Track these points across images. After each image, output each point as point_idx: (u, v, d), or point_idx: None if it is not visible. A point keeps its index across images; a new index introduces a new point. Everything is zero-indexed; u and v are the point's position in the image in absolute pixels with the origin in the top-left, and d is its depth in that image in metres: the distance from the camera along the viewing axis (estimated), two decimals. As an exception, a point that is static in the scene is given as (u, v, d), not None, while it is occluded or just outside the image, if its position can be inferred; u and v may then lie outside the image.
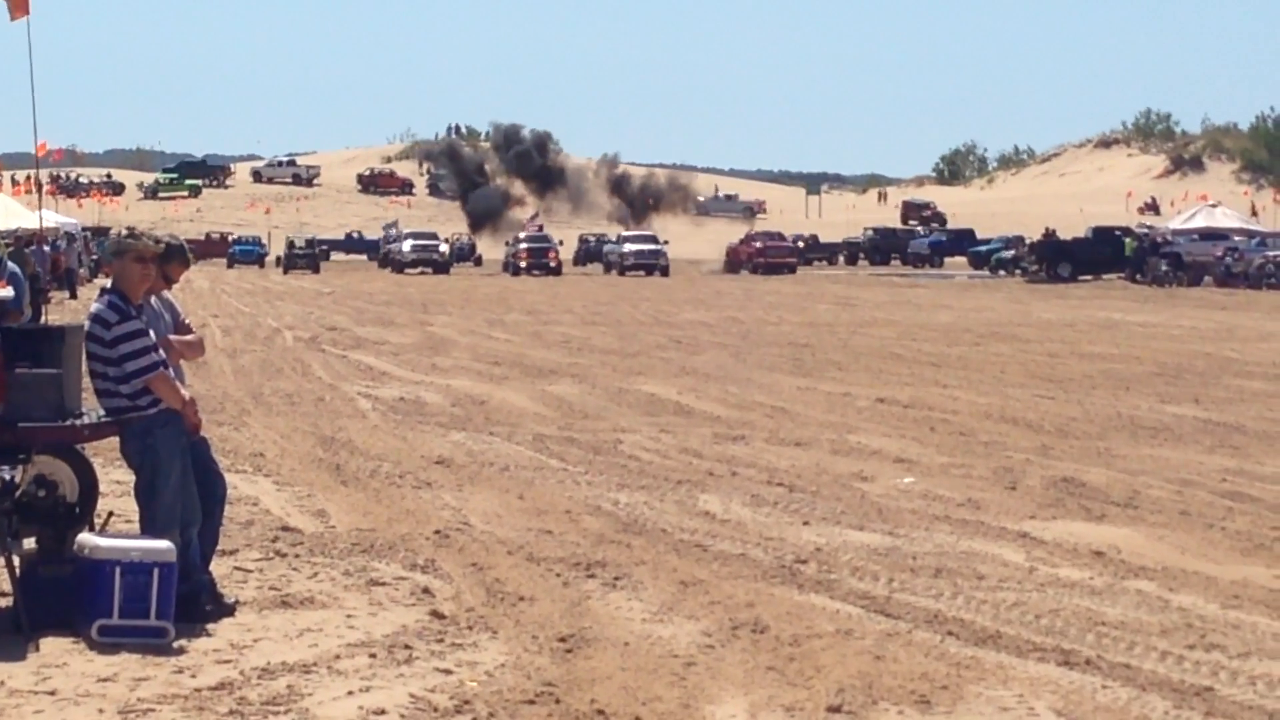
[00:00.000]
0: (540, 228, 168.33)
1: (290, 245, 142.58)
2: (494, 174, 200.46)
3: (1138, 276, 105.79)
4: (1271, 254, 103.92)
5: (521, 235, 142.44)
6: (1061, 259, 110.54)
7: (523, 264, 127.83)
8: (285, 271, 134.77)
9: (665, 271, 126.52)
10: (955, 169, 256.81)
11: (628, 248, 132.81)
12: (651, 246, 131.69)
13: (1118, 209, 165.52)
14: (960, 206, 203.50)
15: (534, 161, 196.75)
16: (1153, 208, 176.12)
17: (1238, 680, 12.99)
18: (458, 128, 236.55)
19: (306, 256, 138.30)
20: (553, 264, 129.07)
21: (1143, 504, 21.36)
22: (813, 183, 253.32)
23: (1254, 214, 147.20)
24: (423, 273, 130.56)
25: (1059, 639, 14.32)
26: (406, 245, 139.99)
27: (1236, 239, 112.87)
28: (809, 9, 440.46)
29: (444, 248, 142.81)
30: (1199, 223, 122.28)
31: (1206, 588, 16.40)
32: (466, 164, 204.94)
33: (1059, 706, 12.27)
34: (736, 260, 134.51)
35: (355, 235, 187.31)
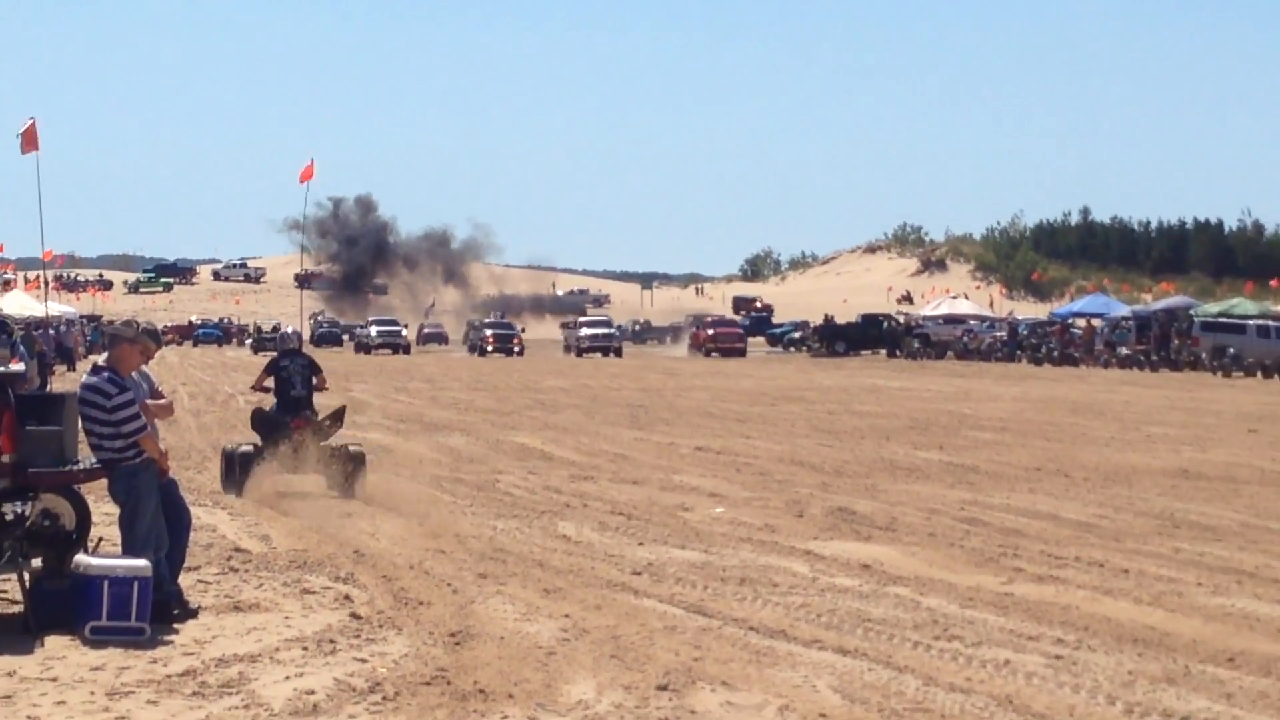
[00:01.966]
0: (432, 306, 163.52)
1: (259, 330, 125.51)
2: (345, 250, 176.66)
3: (895, 352, 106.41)
4: (998, 334, 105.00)
5: (486, 320, 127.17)
6: (837, 339, 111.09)
7: (489, 347, 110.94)
8: (255, 352, 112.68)
9: (619, 352, 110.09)
10: (756, 268, 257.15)
11: (584, 331, 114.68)
12: (605, 330, 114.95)
13: (880, 300, 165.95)
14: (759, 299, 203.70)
15: (375, 238, 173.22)
16: (907, 299, 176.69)
17: (972, 664, 13.08)
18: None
19: (273, 340, 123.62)
20: (516, 348, 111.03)
21: (900, 527, 21.45)
22: (645, 279, 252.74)
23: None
24: (385, 354, 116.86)
25: (835, 632, 14.39)
26: (373, 330, 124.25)
27: (972, 322, 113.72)
28: (642, 136, 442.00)
29: (405, 332, 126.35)
30: (943, 310, 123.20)
31: (948, 592, 16.50)
32: (336, 235, 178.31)
33: (835, 685, 12.31)
34: (697, 343, 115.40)
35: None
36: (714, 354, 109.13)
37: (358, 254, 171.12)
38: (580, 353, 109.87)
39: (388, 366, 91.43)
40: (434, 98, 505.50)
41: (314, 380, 26.45)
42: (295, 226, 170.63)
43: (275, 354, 28.06)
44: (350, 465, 25.32)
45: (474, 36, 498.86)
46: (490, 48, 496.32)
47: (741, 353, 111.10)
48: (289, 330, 29.38)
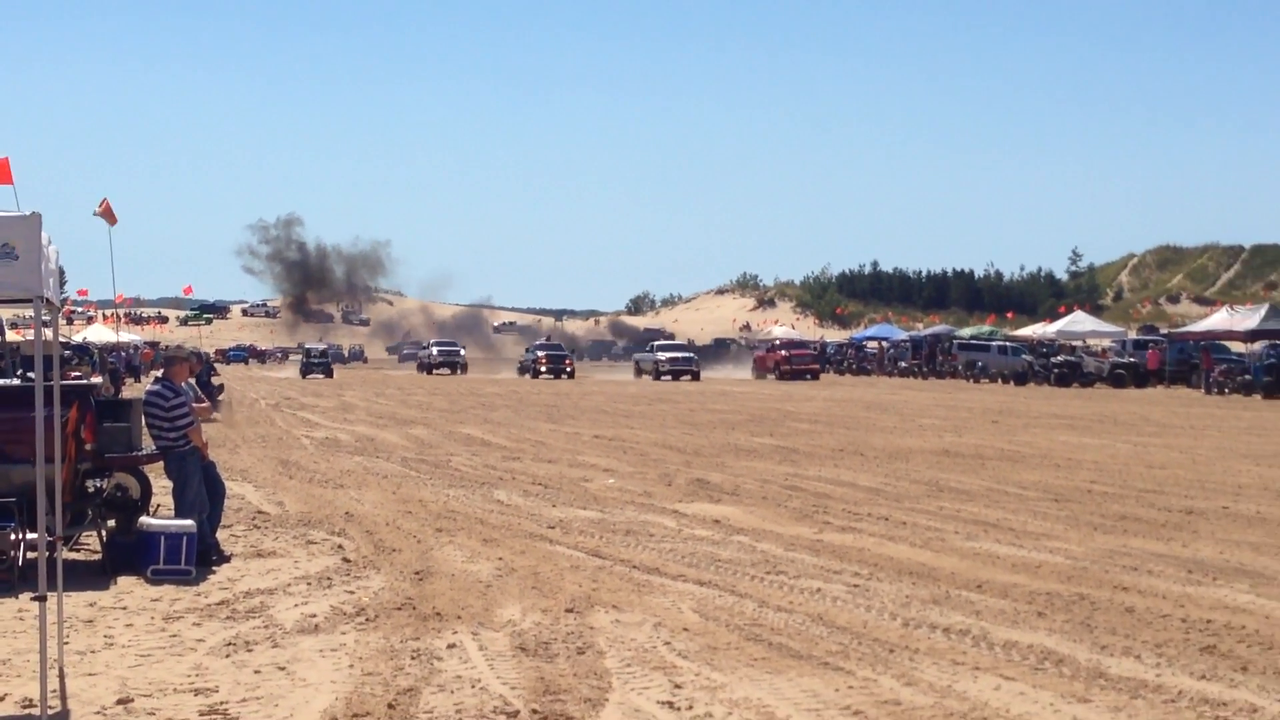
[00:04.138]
0: (407, 335, 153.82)
1: (308, 353, 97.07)
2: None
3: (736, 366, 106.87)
4: (811, 353, 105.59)
5: (538, 343, 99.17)
6: (697, 357, 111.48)
7: (542, 369, 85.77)
8: (304, 375, 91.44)
9: (697, 376, 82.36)
10: (638, 305, 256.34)
11: (662, 355, 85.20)
12: (685, 354, 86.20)
13: (728, 328, 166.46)
14: (636, 328, 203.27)
15: (303, 259, 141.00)
16: (747, 328, 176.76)
17: (793, 591, 13.14)
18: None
19: (321, 364, 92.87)
20: (568, 369, 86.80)
21: (742, 493, 21.50)
22: (557, 314, 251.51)
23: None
24: (442, 372, 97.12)
25: (695, 569, 14.41)
26: (435, 350, 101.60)
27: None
28: (545, 193, 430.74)
29: (462, 352, 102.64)
30: (773, 335, 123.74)
31: (776, 539, 16.55)
32: (285, 261, 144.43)
33: (695, 607, 12.34)
34: (764, 366, 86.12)
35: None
36: (789, 376, 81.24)
37: (306, 279, 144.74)
38: (658, 376, 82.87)
39: (372, 378, 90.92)
40: (339, 135, 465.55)
41: (212, 371, 42.10)
42: (251, 252, 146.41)
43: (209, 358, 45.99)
44: (230, 407, 40.05)
45: (381, 84, 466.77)
46: (397, 100, 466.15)
47: (816, 374, 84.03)
48: (202, 351, 47.93)
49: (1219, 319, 71.76)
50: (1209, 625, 11.53)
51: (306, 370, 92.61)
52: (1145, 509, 19.24)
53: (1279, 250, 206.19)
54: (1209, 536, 16.60)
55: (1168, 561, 14.75)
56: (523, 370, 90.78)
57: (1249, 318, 67.39)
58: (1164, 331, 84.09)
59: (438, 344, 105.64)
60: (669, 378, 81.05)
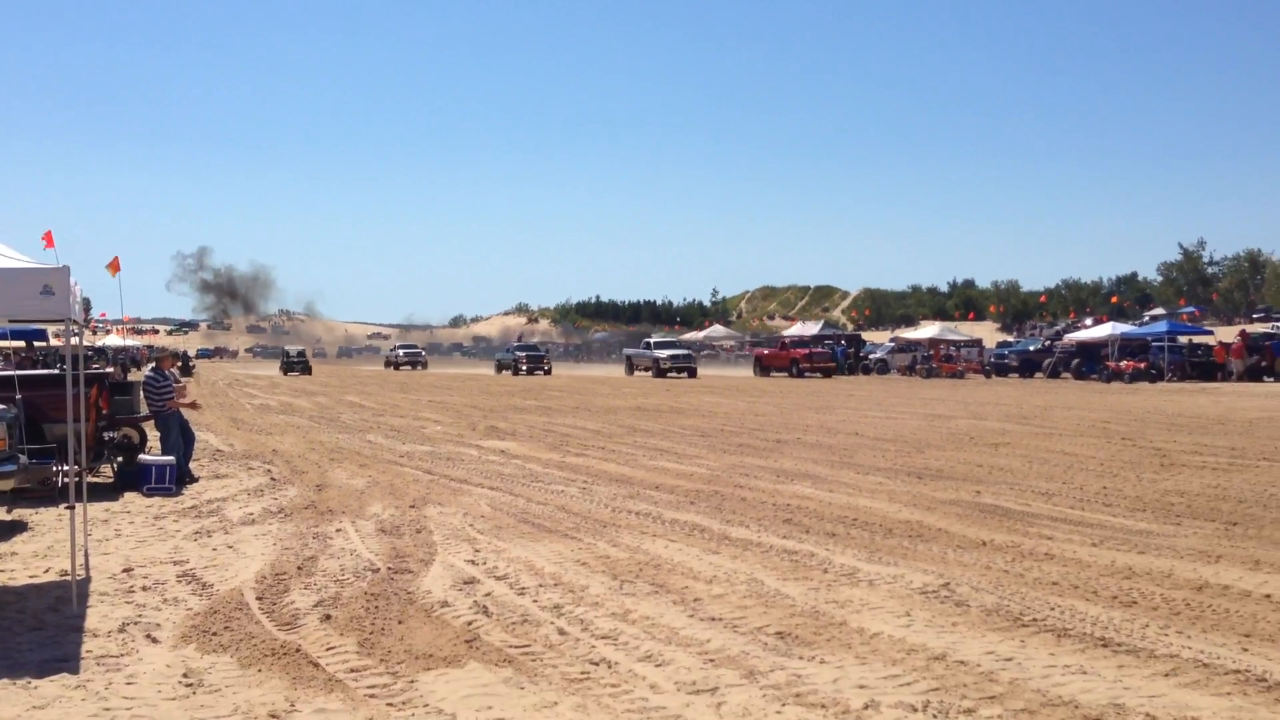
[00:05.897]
0: (319, 341, 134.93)
1: (286, 355, 71.29)
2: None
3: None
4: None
5: (515, 345, 77.47)
6: (490, 355, 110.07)
7: (523, 367, 61.61)
8: (285, 373, 66.99)
9: (694, 373, 53.99)
10: (456, 322, 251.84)
11: (662, 353, 55.15)
12: (685, 351, 56.91)
13: (511, 337, 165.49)
14: (454, 337, 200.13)
15: (216, 282, 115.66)
16: (520, 338, 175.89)
17: (546, 492, 13.13)
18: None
19: (300, 363, 68.39)
20: (545, 367, 62.17)
21: (518, 433, 21.36)
22: (403, 328, 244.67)
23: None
24: (408, 369, 76.10)
25: (490, 480, 14.29)
26: (400, 352, 78.81)
27: (550, 347, 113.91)
28: (375, 229, 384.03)
29: (423, 353, 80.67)
30: (535, 340, 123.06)
31: (539, 461, 16.49)
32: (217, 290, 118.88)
33: (488, 503, 12.26)
34: (770, 363, 55.31)
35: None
36: (807, 374, 52.51)
37: (220, 298, 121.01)
38: (660, 373, 54.16)
39: (340, 373, 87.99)
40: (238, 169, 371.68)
41: (190, 361, 37.53)
42: (183, 279, 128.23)
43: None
44: (197, 380, 35.62)
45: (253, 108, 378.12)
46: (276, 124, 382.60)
47: (829, 373, 53.16)
48: (180, 350, 40.63)
49: (797, 329, 74.00)
50: (788, 507, 11.89)
51: (287, 369, 68.49)
52: (753, 440, 19.72)
53: (831, 289, 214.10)
54: (789, 455, 17.10)
55: (765, 471, 15.16)
56: (500, 368, 66.76)
57: (814, 328, 69.68)
58: (765, 337, 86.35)
59: (403, 346, 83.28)
60: (668, 374, 54.23)
